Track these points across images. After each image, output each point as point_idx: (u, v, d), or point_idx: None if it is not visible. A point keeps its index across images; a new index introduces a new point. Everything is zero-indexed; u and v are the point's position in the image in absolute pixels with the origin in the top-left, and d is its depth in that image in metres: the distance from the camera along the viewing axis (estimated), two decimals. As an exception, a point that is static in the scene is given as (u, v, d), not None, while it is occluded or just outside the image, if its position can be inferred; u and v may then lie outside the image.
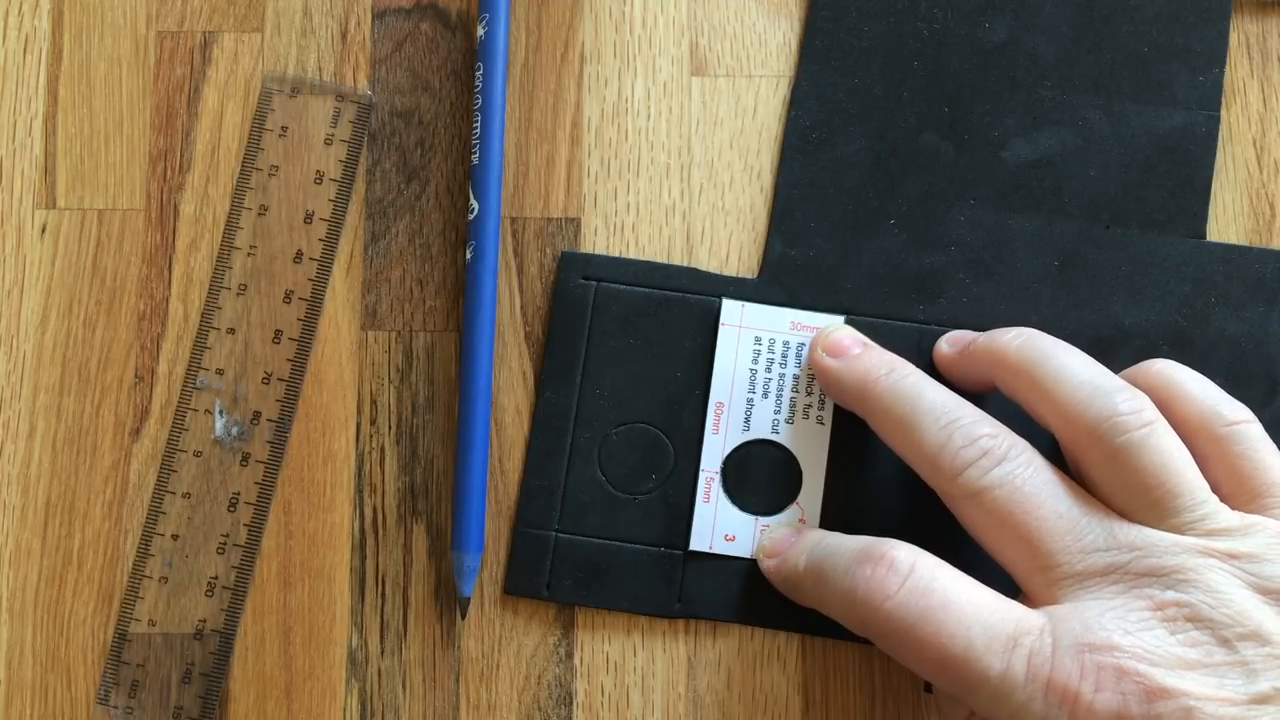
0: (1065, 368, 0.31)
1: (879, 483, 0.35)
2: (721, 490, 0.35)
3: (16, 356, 0.36)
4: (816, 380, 0.35)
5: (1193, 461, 0.30)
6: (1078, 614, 0.28)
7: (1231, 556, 0.28)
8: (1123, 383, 0.30)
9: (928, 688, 0.34)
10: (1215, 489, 0.30)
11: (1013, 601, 0.29)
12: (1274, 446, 0.31)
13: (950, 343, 0.34)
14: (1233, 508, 0.30)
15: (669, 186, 0.37)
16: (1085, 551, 0.29)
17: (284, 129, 0.37)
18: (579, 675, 0.35)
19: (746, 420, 0.35)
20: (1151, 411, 0.30)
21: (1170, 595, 0.28)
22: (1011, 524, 0.30)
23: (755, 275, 0.36)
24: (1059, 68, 0.36)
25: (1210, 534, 0.29)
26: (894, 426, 0.32)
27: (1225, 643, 0.28)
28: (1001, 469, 0.30)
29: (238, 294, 0.36)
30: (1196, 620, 0.28)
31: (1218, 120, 0.36)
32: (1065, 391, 0.30)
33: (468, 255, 0.35)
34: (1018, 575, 0.30)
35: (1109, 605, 0.28)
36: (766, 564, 0.34)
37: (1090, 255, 0.36)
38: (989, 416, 0.31)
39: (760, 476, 0.35)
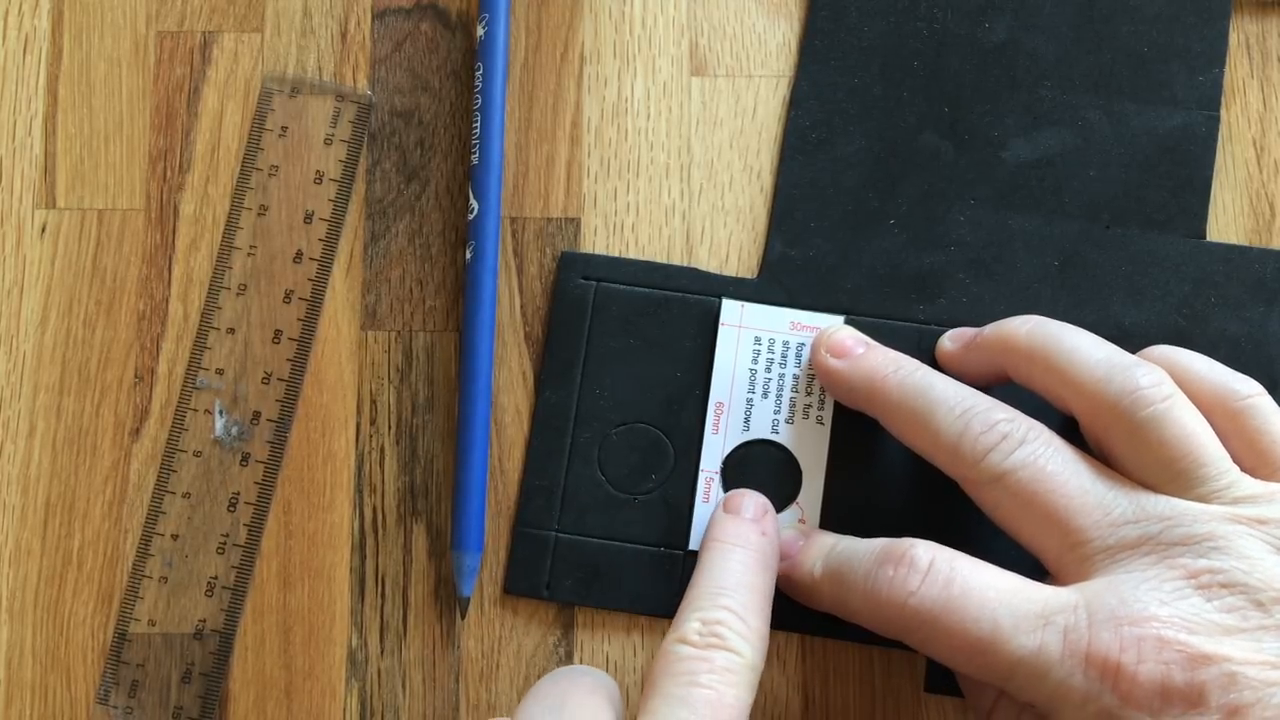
0: (1079, 348, 0.31)
1: (879, 482, 0.35)
2: (721, 490, 0.35)
3: (16, 356, 0.36)
4: (820, 381, 0.35)
5: (1213, 432, 0.30)
6: (1112, 588, 0.28)
7: (1259, 522, 0.29)
8: (1137, 358, 0.31)
9: (928, 687, 0.34)
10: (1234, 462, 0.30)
11: (1037, 583, 0.29)
12: None
13: (953, 339, 0.35)
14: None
15: (669, 186, 0.37)
16: (1115, 525, 0.29)
17: (284, 129, 0.37)
18: (579, 675, 0.35)
19: (746, 420, 0.35)
20: (1170, 385, 0.30)
21: (1203, 563, 0.28)
22: (1038, 504, 0.30)
23: (755, 275, 0.36)
24: (1059, 68, 0.36)
25: (1236, 501, 0.29)
26: (908, 421, 0.32)
27: (1260, 606, 0.28)
28: (1023, 450, 0.30)
29: (238, 294, 0.36)
30: (1231, 586, 0.28)
31: (1218, 120, 0.36)
32: (1083, 370, 0.30)
33: (468, 255, 0.35)
34: (1048, 556, 0.30)
35: (1143, 577, 0.28)
36: (771, 566, 0.34)
37: (1090, 255, 0.36)
38: (1002, 403, 0.31)
39: (760, 476, 0.35)
